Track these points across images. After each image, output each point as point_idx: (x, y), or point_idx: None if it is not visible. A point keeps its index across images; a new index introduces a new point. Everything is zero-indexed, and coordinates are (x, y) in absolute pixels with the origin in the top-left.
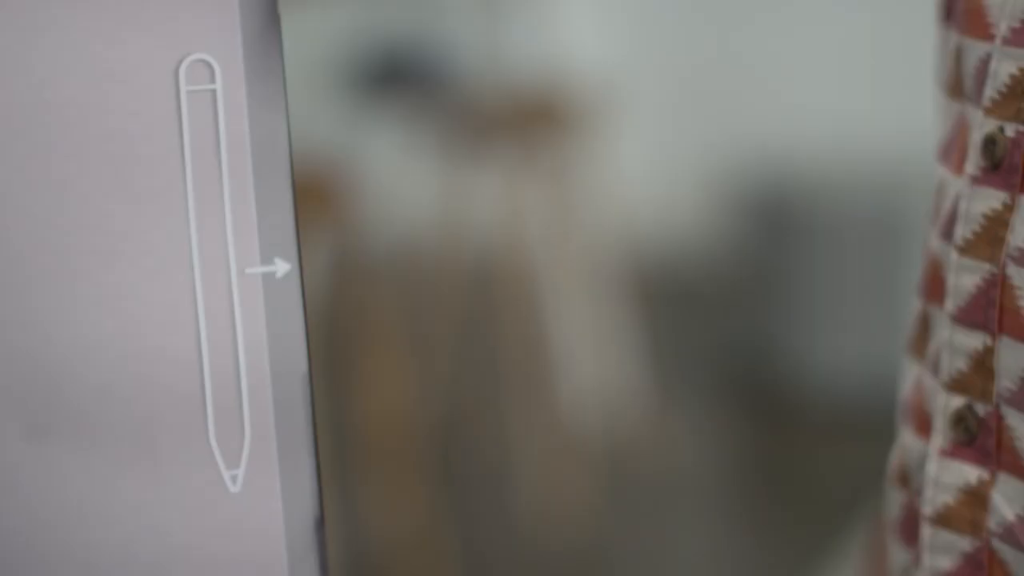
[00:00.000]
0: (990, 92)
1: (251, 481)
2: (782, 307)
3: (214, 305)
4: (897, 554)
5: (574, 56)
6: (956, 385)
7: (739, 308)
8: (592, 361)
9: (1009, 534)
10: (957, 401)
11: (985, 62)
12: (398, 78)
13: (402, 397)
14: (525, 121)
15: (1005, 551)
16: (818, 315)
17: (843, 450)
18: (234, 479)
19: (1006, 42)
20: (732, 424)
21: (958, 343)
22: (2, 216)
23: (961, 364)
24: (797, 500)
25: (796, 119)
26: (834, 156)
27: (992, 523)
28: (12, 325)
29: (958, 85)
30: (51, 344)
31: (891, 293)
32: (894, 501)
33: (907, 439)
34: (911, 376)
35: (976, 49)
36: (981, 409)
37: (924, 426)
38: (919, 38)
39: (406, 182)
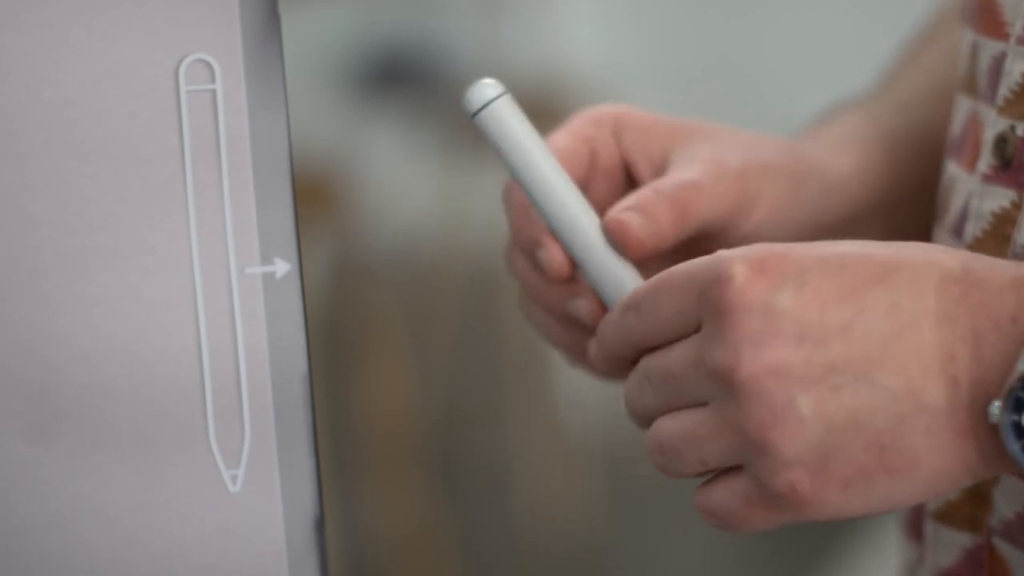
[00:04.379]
0: (1003, 91)
1: (251, 481)
2: None
3: (214, 305)
4: (904, 550)
5: (574, 56)
6: None
7: None
8: None
9: (1009, 532)
10: None
11: (999, 60)
12: (398, 78)
13: (402, 397)
14: None
15: (1005, 549)
16: None
17: None
18: (234, 479)
19: (1020, 41)
20: None
21: None
22: (2, 216)
23: None
24: None
25: (796, 120)
26: None
27: (993, 520)
28: (12, 325)
29: (972, 82)
30: (51, 344)
31: None
32: None
33: None
34: None
35: (990, 47)
36: None
37: None
38: None
39: (406, 182)
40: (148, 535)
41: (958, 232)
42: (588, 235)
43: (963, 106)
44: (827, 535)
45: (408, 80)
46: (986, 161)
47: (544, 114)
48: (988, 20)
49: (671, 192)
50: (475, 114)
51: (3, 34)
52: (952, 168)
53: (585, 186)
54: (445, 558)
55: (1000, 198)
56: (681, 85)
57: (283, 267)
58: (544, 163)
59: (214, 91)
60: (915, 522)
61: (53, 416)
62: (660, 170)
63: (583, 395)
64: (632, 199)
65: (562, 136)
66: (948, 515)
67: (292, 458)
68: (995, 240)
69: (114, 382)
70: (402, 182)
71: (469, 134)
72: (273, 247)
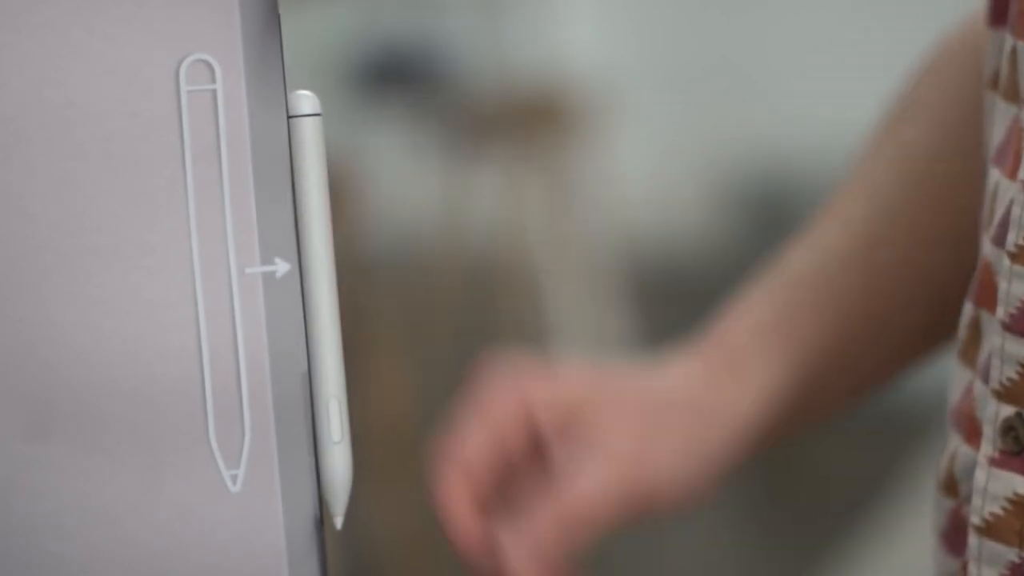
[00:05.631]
0: None
1: (251, 481)
2: None
3: (214, 305)
4: (942, 562)
5: (574, 56)
6: (1006, 394)
7: None
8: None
9: None
10: (1007, 410)
11: None
12: (398, 78)
13: (402, 397)
14: (525, 121)
15: None
16: None
17: (843, 450)
18: (234, 479)
19: None
20: None
21: (1009, 351)
22: (2, 216)
23: (1012, 372)
24: (797, 500)
25: (796, 119)
26: (834, 156)
27: None
28: (12, 325)
29: (1014, 88)
30: (51, 344)
31: None
32: (941, 509)
33: (956, 446)
34: (961, 382)
35: None
36: None
37: (973, 434)
38: (920, 39)
39: (406, 182)
40: (148, 535)
41: (1000, 242)
42: (318, 251)
43: (1007, 113)
44: (826, 535)
45: (408, 80)
46: None
47: (544, 114)
48: None
49: (563, 516)
50: (289, 117)
51: (3, 34)
52: (996, 176)
53: (505, 478)
54: (445, 558)
55: None
56: (681, 85)
57: (283, 267)
58: (313, 188)
59: (214, 91)
60: (955, 535)
61: (53, 416)
62: (563, 434)
63: None
64: (531, 542)
65: (478, 434)
66: (994, 529)
67: (292, 458)
68: None
69: (114, 382)
70: (402, 182)
71: (469, 134)
72: (273, 247)
